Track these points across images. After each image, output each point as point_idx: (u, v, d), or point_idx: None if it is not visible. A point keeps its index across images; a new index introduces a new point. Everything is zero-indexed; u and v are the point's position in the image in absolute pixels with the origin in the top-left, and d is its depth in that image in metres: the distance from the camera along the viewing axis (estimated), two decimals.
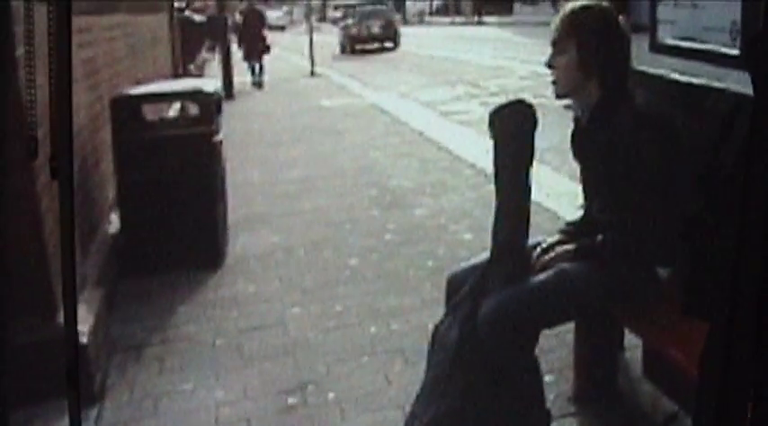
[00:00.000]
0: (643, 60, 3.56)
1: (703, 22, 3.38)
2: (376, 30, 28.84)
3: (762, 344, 1.27)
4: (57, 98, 1.51)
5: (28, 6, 1.52)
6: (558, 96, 3.11)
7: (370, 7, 29.34)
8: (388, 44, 28.98)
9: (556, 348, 3.99)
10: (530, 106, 2.96)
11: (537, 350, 3.07)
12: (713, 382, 2.29)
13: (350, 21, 29.29)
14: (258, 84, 19.91)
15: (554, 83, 3.08)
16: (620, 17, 3.03)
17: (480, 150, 8.16)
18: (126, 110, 5.64)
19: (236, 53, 20.03)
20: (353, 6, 27.66)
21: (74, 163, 5.18)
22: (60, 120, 1.53)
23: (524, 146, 2.93)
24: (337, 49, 29.69)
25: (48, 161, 1.56)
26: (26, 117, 1.52)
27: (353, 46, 28.11)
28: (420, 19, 60.44)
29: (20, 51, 1.51)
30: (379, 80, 19.43)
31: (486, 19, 49.97)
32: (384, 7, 30.64)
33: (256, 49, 20.30)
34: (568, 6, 3.07)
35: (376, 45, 28.79)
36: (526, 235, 3.03)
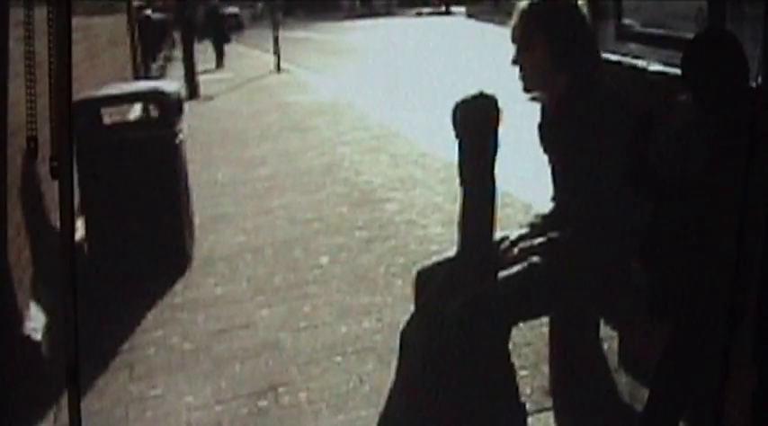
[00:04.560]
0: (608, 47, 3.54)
1: (668, 8, 3.36)
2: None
3: (762, 346, 1.24)
4: (56, 98, 1.49)
5: (28, 9, 1.49)
6: (527, 90, 3.06)
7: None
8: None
9: (531, 341, 3.97)
10: (493, 99, 2.90)
11: (512, 344, 3.03)
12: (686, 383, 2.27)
13: None
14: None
15: (522, 78, 3.02)
16: (581, 2, 2.99)
17: (450, 143, 8.14)
18: (85, 115, 5.52)
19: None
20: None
21: (38, 171, 5.00)
22: (60, 120, 1.50)
23: (488, 140, 2.87)
24: None
25: (40, 161, 1.54)
26: (26, 117, 1.50)
27: None
28: (387, 10, 60.43)
29: (20, 53, 1.47)
30: (346, 74, 19.35)
31: (454, 8, 50.12)
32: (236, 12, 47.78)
33: None
34: (527, 1, 2.99)
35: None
36: (492, 230, 2.98)
